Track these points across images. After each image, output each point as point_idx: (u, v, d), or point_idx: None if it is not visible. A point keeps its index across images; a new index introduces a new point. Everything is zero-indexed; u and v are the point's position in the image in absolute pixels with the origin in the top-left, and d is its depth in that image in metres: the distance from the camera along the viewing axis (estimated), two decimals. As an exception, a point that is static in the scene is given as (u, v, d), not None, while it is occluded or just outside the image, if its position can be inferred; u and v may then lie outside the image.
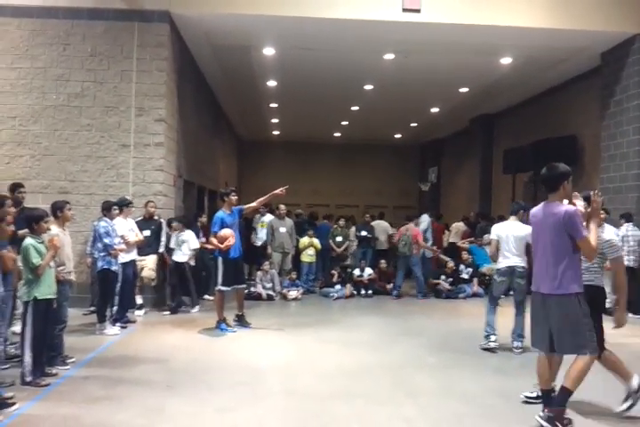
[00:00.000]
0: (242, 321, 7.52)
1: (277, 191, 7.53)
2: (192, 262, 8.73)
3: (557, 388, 4.06)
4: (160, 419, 4.08)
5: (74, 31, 8.84)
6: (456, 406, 4.47)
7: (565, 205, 3.94)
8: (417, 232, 10.63)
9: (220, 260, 7.27)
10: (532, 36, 9.50)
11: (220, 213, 7.34)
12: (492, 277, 6.62)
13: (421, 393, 4.80)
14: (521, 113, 14.81)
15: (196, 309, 8.58)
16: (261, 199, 7.72)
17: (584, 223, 3.94)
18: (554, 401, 3.95)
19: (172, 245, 8.59)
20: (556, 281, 3.88)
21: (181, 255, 8.57)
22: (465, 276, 10.96)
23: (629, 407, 4.27)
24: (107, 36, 8.87)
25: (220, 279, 7.27)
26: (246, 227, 11.45)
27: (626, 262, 8.14)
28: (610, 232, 4.43)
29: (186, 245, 8.55)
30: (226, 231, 7.12)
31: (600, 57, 10.35)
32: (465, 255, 11.30)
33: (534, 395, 4.44)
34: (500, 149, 15.05)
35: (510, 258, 6.45)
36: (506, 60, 11.15)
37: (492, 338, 6.49)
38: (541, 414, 3.96)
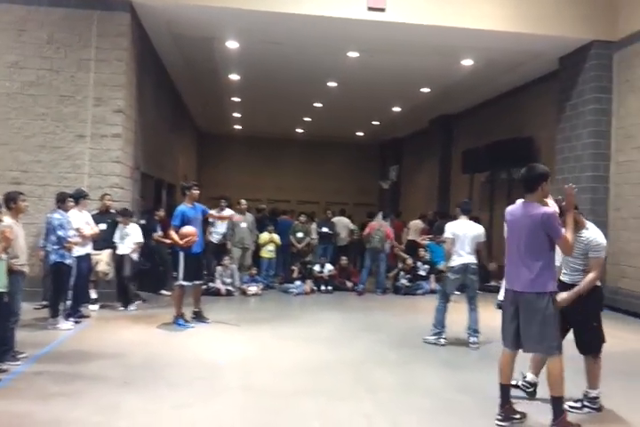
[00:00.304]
0: (200, 317, 7.42)
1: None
2: (135, 257, 8.33)
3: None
4: (117, 416, 3.99)
5: (31, 17, 8.56)
6: (416, 401, 4.52)
7: (543, 207, 3.99)
8: (389, 230, 10.91)
9: (181, 255, 7.15)
10: (493, 39, 9.67)
11: (182, 207, 7.23)
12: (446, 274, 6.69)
13: (382, 389, 4.84)
14: (479, 114, 15.10)
15: (133, 306, 8.14)
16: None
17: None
18: (554, 413, 3.92)
19: (115, 238, 8.21)
20: (531, 279, 3.92)
21: (124, 249, 8.20)
22: (422, 273, 11.11)
23: (574, 408, 4.38)
24: (65, 24, 8.62)
25: (181, 274, 7.16)
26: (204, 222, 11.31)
27: None
28: (595, 232, 4.46)
29: (129, 239, 8.20)
30: (189, 229, 7.01)
31: (558, 61, 10.63)
32: (422, 252, 11.45)
33: (578, 405, 4.41)
34: (459, 150, 15.31)
35: (464, 256, 6.60)
36: (467, 62, 11.33)
37: (443, 335, 6.63)
38: (498, 417, 4.01)
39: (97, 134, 8.62)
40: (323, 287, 10.53)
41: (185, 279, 7.16)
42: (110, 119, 8.67)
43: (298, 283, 10.44)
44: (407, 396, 4.66)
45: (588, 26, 9.56)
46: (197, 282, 7.46)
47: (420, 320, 8.29)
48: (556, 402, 3.93)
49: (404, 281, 10.84)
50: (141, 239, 8.39)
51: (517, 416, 4.07)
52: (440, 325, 6.67)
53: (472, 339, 6.53)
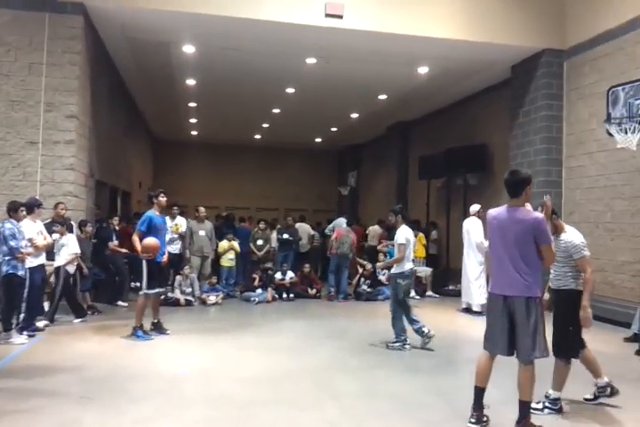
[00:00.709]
0: (159, 328, 7.24)
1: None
2: (71, 269, 7.78)
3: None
4: (76, 433, 3.85)
5: (-23, 19, 8.25)
6: (380, 406, 4.52)
7: (534, 212, 4.02)
8: (354, 235, 11.14)
9: (144, 263, 6.97)
10: (447, 47, 9.86)
11: (151, 213, 7.10)
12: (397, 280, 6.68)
13: (345, 395, 4.82)
14: (435, 121, 15.35)
15: (77, 320, 7.73)
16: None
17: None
18: (520, 416, 3.96)
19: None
20: (521, 284, 3.94)
21: (60, 260, 7.67)
22: (382, 278, 11.17)
23: (594, 398, 4.69)
24: (14, 26, 8.35)
25: (144, 283, 6.98)
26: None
27: None
28: (572, 234, 4.57)
29: (65, 249, 7.70)
30: (151, 241, 6.87)
31: (510, 69, 10.91)
32: (382, 258, 11.52)
33: (539, 406, 4.46)
34: (416, 156, 15.50)
35: (410, 261, 6.86)
36: (423, 70, 11.52)
37: (408, 342, 6.70)
38: (471, 420, 4.03)
39: (49, 141, 8.36)
40: (284, 295, 10.46)
41: (149, 288, 6.99)
42: (63, 125, 8.42)
43: (259, 291, 10.33)
44: (371, 401, 4.66)
45: (539, 35, 9.87)
46: (161, 290, 7.34)
47: (382, 326, 8.32)
48: (525, 406, 3.98)
49: (364, 287, 10.89)
50: (77, 250, 7.78)
51: (485, 420, 4.10)
52: (403, 332, 6.72)
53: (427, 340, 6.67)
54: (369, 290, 10.84)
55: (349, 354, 6.35)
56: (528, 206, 4.10)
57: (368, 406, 4.52)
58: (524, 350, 3.94)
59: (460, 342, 7.40)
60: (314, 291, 10.83)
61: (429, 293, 11.34)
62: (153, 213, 7.14)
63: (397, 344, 6.68)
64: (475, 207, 9.62)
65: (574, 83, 9.81)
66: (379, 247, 12.18)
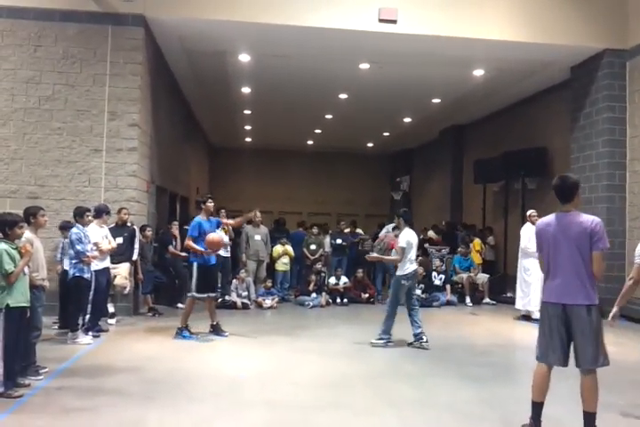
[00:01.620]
0: (217, 330, 7.38)
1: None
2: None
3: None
4: (140, 431, 3.97)
5: (45, 33, 8.66)
6: (438, 415, 4.46)
7: (590, 215, 3.94)
8: (393, 241, 10.81)
9: (194, 266, 7.15)
10: (504, 49, 9.69)
11: (198, 219, 7.26)
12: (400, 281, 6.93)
13: (402, 402, 4.78)
14: (491, 124, 15.08)
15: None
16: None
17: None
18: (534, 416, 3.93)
19: (58, 252, 7.85)
20: (584, 291, 3.84)
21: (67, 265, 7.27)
22: (438, 282, 11.07)
23: None
24: (79, 39, 8.71)
25: (193, 286, 7.14)
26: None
27: None
28: None
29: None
30: (214, 236, 7.07)
31: (570, 70, 10.61)
32: (438, 263, 11.42)
33: None
34: (471, 160, 15.28)
35: (414, 263, 7.08)
36: (478, 72, 11.35)
37: (392, 340, 6.97)
38: None
39: (112, 148, 8.68)
40: (338, 300, 10.48)
41: (197, 291, 7.13)
42: (125, 133, 8.73)
43: (313, 295, 10.40)
44: (429, 410, 4.59)
45: (599, 34, 9.58)
46: (212, 294, 7.42)
47: (436, 332, 8.25)
48: (591, 417, 3.83)
49: (418, 292, 10.76)
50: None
51: None
52: (390, 332, 6.96)
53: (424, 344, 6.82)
54: (423, 295, 10.71)
55: (404, 360, 6.31)
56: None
57: (425, 415, 4.47)
58: (588, 358, 3.82)
59: (519, 350, 7.23)
60: (367, 295, 10.79)
61: (486, 299, 11.13)
62: (201, 218, 7.28)
63: (381, 342, 6.85)
64: (528, 212, 9.41)
65: (638, 83, 9.46)
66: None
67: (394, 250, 11.27)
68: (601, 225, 3.84)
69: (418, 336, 6.93)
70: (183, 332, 7.11)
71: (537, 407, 3.97)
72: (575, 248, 3.84)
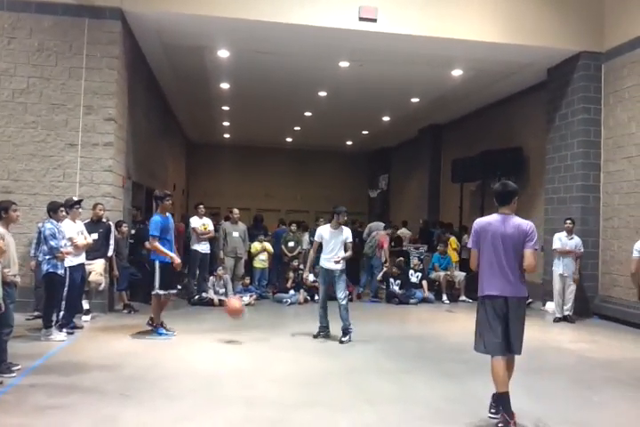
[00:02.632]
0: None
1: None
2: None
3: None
4: (115, 429, 3.92)
5: (20, 24, 8.48)
6: (416, 411, 4.48)
7: (525, 220, 4.40)
8: (384, 238, 11.18)
9: (157, 264, 7.07)
10: (482, 50, 9.76)
11: (157, 218, 7.11)
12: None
13: (380, 399, 4.80)
14: (469, 124, 15.22)
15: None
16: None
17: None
18: (508, 406, 4.08)
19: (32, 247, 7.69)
20: (516, 285, 4.26)
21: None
22: (414, 280, 11.14)
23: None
24: (55, 31, 8.54)
25: (157, 283, 7.07)
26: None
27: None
28: None
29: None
30: (235, 304, 7.24)
31: (547, 72, 10.75)
32: (415, 261, 11.50)
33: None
34: (449, 159, 15.39)
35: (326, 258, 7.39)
36: (457, 72, 11.43)
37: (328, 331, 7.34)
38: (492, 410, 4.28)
39: (88, 143, 8.54)
40: (316, 297, 10.44)
41: (161, 288, 7.08)
42: (101, 128, 8.59)
43: (291, 293, 10.39)
44: (407, 406, 4.61)
45: (576, 37, 9.71)
46: (172, 291, 7.42)
47: (415, 329, 8.33)
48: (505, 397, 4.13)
49: (395, 288, 10.84)
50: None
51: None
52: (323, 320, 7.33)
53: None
54: (400, 291, 10.77)
55: (383, 357, 6.33)
56: None
57: (404, 412, 4.49)
58: (519, 346, 4.26)
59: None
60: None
61: (463, 297, 11.23)
62: (159, 216, 7.16)
63: (348, 337, 7.03)
64: None
65: (613, 86, 9.62)
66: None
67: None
68: (534, 228, 4.33)
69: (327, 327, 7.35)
70: (159, 329, 7.06)
71: (505, 397, 4.14)
72: (512, 247, 4.26)
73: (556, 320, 9.05)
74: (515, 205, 4.43)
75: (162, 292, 7.10)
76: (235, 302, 7.30)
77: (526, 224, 4.31)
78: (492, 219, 4.40)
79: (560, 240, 9.13)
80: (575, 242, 9.13)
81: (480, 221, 4.47)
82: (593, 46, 9.78)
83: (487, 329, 4.27)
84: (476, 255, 4.44)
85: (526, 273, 4.30)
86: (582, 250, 9.14)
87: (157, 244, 6.99)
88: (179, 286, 10.86)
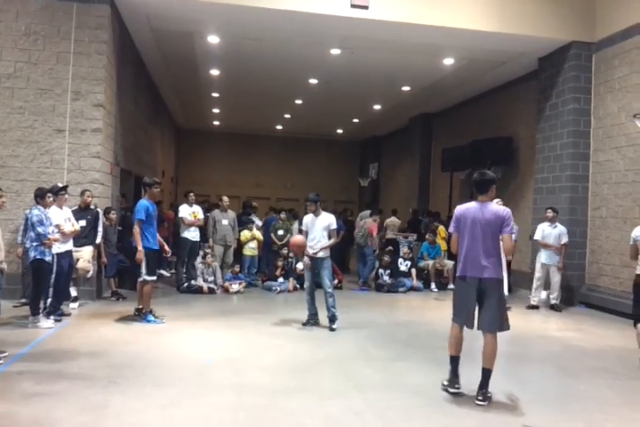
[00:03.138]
0: (142, 314, 7.25)
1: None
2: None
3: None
4: (104, 416, 3.90)
5: (6, 7, 8.35)
6: (404, 399, 4.52)
7: (503, 206, 4.76)
8: (373, 226, 11.27)
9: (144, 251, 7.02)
10: (474, 39, 9.73)
11: (145, 202, 7.09)
12: None
13: (369, 386, 4.83)
14: (460, 113, 15.21)
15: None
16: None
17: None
18: (484, 383, 4.51)
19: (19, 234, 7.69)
20: (492, 268, 4.54)
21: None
22: (404, 268, 11.18)
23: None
24: (42, 15, 8.41)
25: (144, 270, 7.03)
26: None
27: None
28: None
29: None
30: (298, 240, 7.35)
31: (537, 61, 10.74)
32: (405, 249, 11.53)
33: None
34: (439, 148, 15.41)
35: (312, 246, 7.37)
36: (448, 61, 11.41)
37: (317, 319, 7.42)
38: (479, 397, 4.45)
39: (76, 129, 8.45)
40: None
41: (148, 274, 7.05)
42: (89, 114, 8.49)
43: (281, 280, 10.40)
44: (395, 393, 4.64)
45: (567, 27, 9.69)
46: (153, 278, 7.34)
47: (404, 317, 8.37)
48: (488, 373, 4.51)
49: (385, 278, 10.88)
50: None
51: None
52: (311, 308, 7.39)
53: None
54: (389, 281, 10.82)
55: (372, 345, 6.36)
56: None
57: (392, 398, 4.52)
58: (493, 323, 4.55)
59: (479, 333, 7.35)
60: (335, 281, 10.81)
61: (451, 285, 11.26)
62: (147, 201, 7.13)
63: (335, 324, 7.12)
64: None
65: (603, 76, 9.63)
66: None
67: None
68: (510, 215, 4.61)
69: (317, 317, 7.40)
70: (148, 316, 7.05)
71: (456, 360, 4.74)
72: (489, 232, 4.56)
73: (529, 307, 9.19)
74: (492, 193, 4.71)
75: (149, 278, 7.07)
76: (297, 239, 7.40)
77: (503, 210, 4.61)
78: (471, 206, 4.71)
79: (543, 231, 9.18)
80: (559, 230, 9.14)
81: (460, 208, 4.79)
82: (584, 36, 9.78)
83: (458, 304, 4.73)
84: (456, 239, 4.79)
85: (505, 256, 4.66)
86: (566, 240, 9.14)
87: (139, 229, 6.95)
88: (163, 272, 10.95)
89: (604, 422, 4.18)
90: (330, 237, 7.25)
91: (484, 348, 4.58)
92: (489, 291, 4.55)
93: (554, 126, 10.22)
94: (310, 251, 7.18)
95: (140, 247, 6.93)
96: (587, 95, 9.86)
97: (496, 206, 4.67)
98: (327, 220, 7.26)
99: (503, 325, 4.58)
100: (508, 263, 8.75)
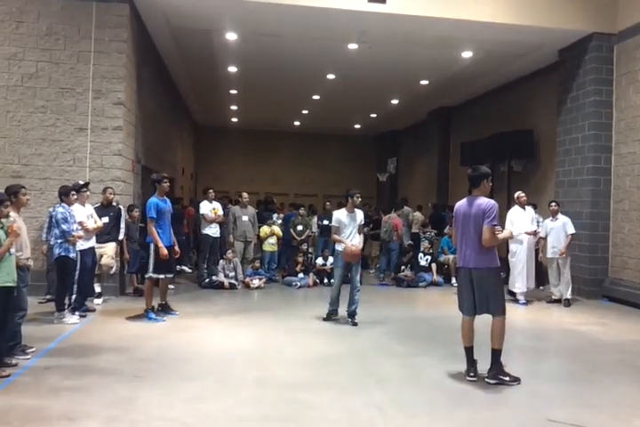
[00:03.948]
0: (166, 309, 7.37)
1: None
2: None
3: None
4: (131, 409, 3.98)
5: (27, 8, 8.46)
6: (426, 393, 4.53)
7: (488, 199, 4.87)
8: (397, 221, 11.35)
9: (152, 247, 7.08)
10: (492, 31, 9.63)
11: (154, 199, 7.11)
12: None
13: (390, 381, 4.85)
14: (478, 106, 15.07)
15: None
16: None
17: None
18: (494, 363, 4.77)
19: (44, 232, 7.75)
20: (478, 258, 4.78)
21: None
22: (424, 263, 11.16)
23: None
24: (63, 15, 8.52)
25: (151, 267, 7.09)
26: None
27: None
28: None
29: None
30: (353, 250, 7.16)
31: (558, 53, 10.61)
32: (426, 244, 11.50)
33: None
34: (458, 142, 15.30)
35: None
36: (466, 54, 11.30)
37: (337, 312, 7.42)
38: (488, 376, 4.75)
39: (97, 127, 8.56)
40: (325, 280, 10.52)
41: (154, 272, 7.09)
42: (110, 112, 8.60)
43: (301, 276, 10.45)
44: (417, 388, 4.67)
45: (588, 18, 9.55)
46: (168, 275, 7.43)
47: (424, 313, 8.37)
48: (497, 353, 4.77)
49: (407, 272, 10.90)
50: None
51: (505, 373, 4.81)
52: (335, 303, 7.35)
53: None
54: (410, 275, 10.81)
55: (390, 340, 6.37)
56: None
57: (414, 393, 4.54)
58: (492, 306, 4.80)
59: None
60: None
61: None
62: (157, 198, 7.15)
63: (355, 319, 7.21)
64: (516, 194, 9.16)
65: (625, 68, 9.48)
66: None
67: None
68: (492, 206, 4.73)
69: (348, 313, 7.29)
70: (149, 313, 7.05)
71: (470, 351, 4.92)
72: (473, 224, 4.77)
73: (550, 302, 9.11)
74: (484, 187, 4.89)
75: (155, 275, 7.10)
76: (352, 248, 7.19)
77: (486, 203, 4.76)
78: (464, 201, 4.97)
79: (546, 226, 9.12)
80: (562, 222, 8.96)
81: (457, 204, 5.05)
82: (605, 27, 9.63)
83: (460, 293, 5.02)
84: (454, 233, 5.11)
85: (491, 246, 4.78)
86: (572, 230, 8.89)
87: (153, 228, 6.99)
88: (184, 268, 11.05)
89: (631, 416, 4.15)
90: (359, 233, 7.31)
91: (491, 330, 4.82)
92: (481, 279, 4.78)
93: (575, 119, 10.10)
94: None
95: (159, 244, 6.97)
96: (608, 87, 9.72)
97: (483, 199, 4.83)
98: (360, 216, 7.33)
99: (498, 308, 4.80)
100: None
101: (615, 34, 9.62)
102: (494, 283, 4.82)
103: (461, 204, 4.97)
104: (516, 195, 9.14)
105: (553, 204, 9.15)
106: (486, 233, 4.70)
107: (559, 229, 8.98)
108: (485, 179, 4.88)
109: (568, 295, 8.88)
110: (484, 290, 4.78)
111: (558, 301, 9.03)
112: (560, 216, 9.04)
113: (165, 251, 6.99)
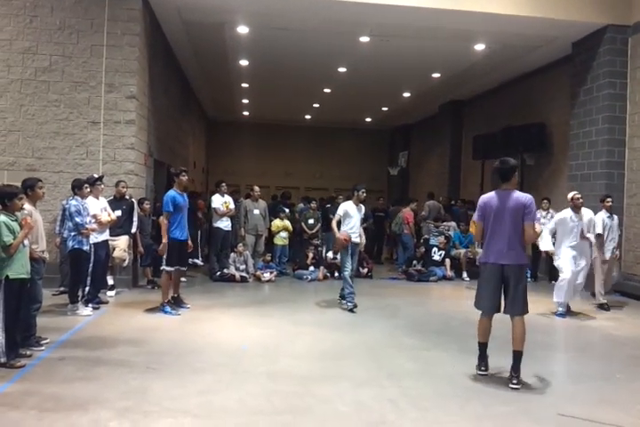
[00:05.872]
0: (178, 302, 7.40)
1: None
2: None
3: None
4: (144, 400, 4.01)
5: (41, 3, 8.51)
6: (438, 387, 4.53)
7: (526, 194, 4.72)
8: (409, 214, 11.52)
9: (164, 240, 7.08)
10: (505, 23, 9.57)
11: (172, 193, 7.12)
12: None
13: (403, 374, 4.85)
14: (491, 99, 14.97)
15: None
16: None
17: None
18: (516, 366, 4.60)
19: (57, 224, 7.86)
20: (515, 254, 4.65)
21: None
22: (437, 258, 11.13)
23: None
24: (76, 9, 8.56)
25: (164, 260, 7.13)
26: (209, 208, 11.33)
27: None
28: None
29: None
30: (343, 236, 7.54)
31: (571, 46, 10.50)
32: (441, 239, 11.47)
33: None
34: (470, 135, 15.22)
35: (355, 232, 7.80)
36: (479, 47, 11.22)
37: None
38: (514, 381, 4.54)
39: (110, 121, 8.61)
40: (336, 274, 10.54)
41: (167, 265, 7.11)
42: (123, 105, 8.64)
43: (312, 269, 10.48)
44: (429, 381, 4.67)
45: (602, 10, 9.45)
46: (181, 268, 7.46)
47: (434, 307, 8.36)
48: (519, 355, 4.60)
49: (419, 266, 10.90)
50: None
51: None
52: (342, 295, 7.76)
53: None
54: (420, 268, 10.81)
55: (403, 333, 6.38)
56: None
57: (426, 386, 4.54)
58: (518, 308, 4.66)
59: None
60: (365, 270, 10.84)
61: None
62: (175, 191, 7.15)
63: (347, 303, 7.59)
64: (570, 195, 7.68)
65: (639, 60, 9.37)
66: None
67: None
68: (532, 201, 4.65)
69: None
70: (165, 307, 7.06)
71: (484, 347, 4.88)
72: (512, 219, 4.62)
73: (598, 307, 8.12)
74: (515, 180, 4.75)
75: (169, 268, 7.13)
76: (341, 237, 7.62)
77: (524, 197, 4.64)
78: (494, 194, 4.77)
79: (603, 221, 7.90)
80: (616, 221, 8.18)
81: (484, 197, 4.86)
82: (620, 19, 9.52)
83: (483, 290, 4.83)
84: (480, 228, 4.84)
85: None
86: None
87: (166, 221, 7.01)
88: (196, 261, 11.10)
89: (642, 411, 4.14)
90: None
91: (512, 331, 4.67)
92: (513, 276, 4.64)
93: (588, 112, 10.00)
94: (354, 238, 7.64)
95: (164, 240, 7.00)
96: (622, 80, 9.62)
97: (518, 193, 4.70)
98: (363, 210, 7.97)
99: (524, 308, 4.68)
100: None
101: (630, 26, 9.52)
102: (525, 280, 4.76)
103: (491, 197, 4.77)
104: (569, 195, 7.69)
105: (609, 199, 8.09)
106: (530, 231, 4.60)
107: (615, 227, 8.13)
108: (515, 171, 4.76)
109: (602, 298, 8.10)
110: (516, 287, 4.64)
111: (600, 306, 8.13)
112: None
113: (165, 248, 6.99)
